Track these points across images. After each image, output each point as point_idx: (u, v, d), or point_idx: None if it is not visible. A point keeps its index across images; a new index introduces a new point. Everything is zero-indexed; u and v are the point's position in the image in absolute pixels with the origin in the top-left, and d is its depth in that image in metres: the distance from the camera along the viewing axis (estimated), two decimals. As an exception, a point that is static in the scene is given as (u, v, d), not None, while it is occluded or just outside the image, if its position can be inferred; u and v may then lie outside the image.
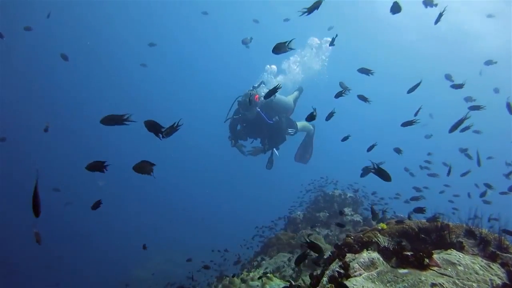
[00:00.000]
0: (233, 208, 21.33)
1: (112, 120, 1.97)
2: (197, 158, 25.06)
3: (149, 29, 21.35)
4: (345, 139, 4.18)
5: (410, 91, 4.06)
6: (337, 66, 9.19)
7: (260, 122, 5.29)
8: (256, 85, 5.64)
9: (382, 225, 2.15)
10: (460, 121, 2.94)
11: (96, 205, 2.29)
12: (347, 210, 6.58)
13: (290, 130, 5.99)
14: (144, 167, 1.76)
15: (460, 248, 1.81)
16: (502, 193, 5.58)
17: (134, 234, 15.17)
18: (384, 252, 1.82)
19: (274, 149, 5.77)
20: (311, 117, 2.92)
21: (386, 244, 1.88)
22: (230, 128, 5.62)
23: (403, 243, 1.88)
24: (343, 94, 3.33)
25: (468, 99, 6.02)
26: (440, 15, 4.19)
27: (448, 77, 6.79)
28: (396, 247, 1.72)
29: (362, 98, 3.83)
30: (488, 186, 5.22)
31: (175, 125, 2.02)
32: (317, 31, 9.00)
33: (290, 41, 2.36)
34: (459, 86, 3.97)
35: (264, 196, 21.64)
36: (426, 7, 4.69)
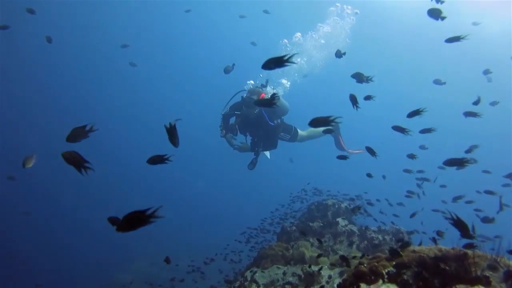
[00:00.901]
0: (222, 209, 21.09)
1: (78, 136, 1.75)
2: (187, 159, 24.69)
3: (149, 29, 21.04)
4: (342, 157, 4.01)
5: (410, 116, 3.76)
6: (336, 68, 9.03)
7: (259, 122, 5.13)
8: (265, 82, 5.50)
9: (397, 252, 1.98)
10: (461, 162, 2.74)
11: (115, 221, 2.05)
12: (341, 220, 6.46)
13: (282, 135, 5.86)
14: (138, 221, 1.23)
15: (487, 283, 1.65)
16: (499, 211, 5.52)
17: (116, 236, 14.67)
18: (404, 285, 1.64)
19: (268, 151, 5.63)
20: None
21: (405, 276, 1.70)
22: (223, 118, 5.43)
23: (424, 276, 1.70)
24: (355, 107, 3.05)
25: (467, 114, 5.96)
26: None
27: (437, 82, 6.68)
28: (421, 283, 1.55)
29: (368, 98, 3.61)
30: (490, 192, 5.12)
31: (165, 157, 1.81)
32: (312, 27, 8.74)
33: (291, 56, 1.84)
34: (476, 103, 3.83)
35: (253, 198, 21.50)
36: (437, 3, 4.50)
